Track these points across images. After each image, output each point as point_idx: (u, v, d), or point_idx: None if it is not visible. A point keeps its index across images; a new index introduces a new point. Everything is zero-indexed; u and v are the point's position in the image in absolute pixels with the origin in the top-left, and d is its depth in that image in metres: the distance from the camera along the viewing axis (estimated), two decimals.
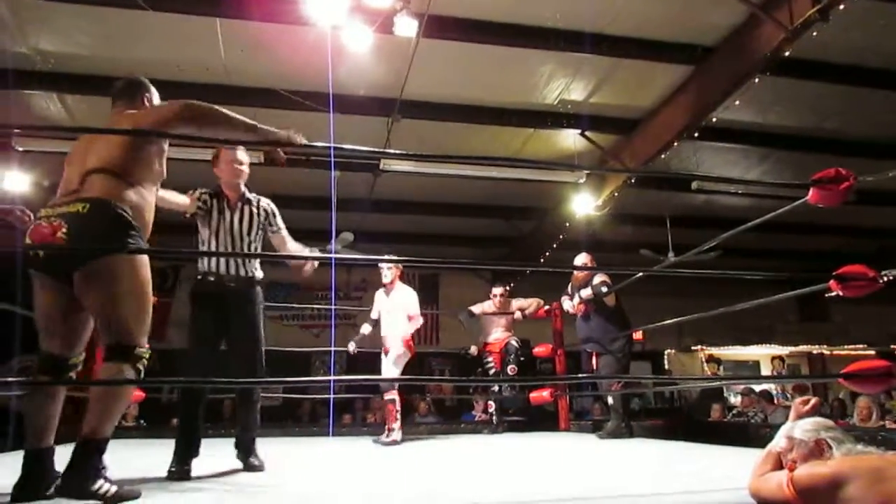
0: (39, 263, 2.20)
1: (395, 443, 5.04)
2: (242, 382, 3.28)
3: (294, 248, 3.63)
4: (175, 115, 2.42)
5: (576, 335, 5.97)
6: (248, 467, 3.24)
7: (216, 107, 2.47)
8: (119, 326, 2.23)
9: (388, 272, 5.56)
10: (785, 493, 1.81)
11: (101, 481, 2.08)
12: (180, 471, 2.94)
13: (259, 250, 3.49)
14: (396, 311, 5.46)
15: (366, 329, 5.73)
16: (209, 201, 3.35)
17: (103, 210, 2.21)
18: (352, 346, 5.83)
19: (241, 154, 3.45)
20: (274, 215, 3.54)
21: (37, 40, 5.76)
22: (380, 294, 5.70)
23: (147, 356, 2.30)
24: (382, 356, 5.42)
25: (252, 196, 3.49)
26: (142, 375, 2.31)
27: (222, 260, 3.26)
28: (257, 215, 3.45)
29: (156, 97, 2.78)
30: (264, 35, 5.65)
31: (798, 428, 2.01)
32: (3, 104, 6.47)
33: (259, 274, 3.37)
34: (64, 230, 2.13)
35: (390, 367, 5.31)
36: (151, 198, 2.45)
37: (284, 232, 3.58)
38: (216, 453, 3.39)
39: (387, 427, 5.21)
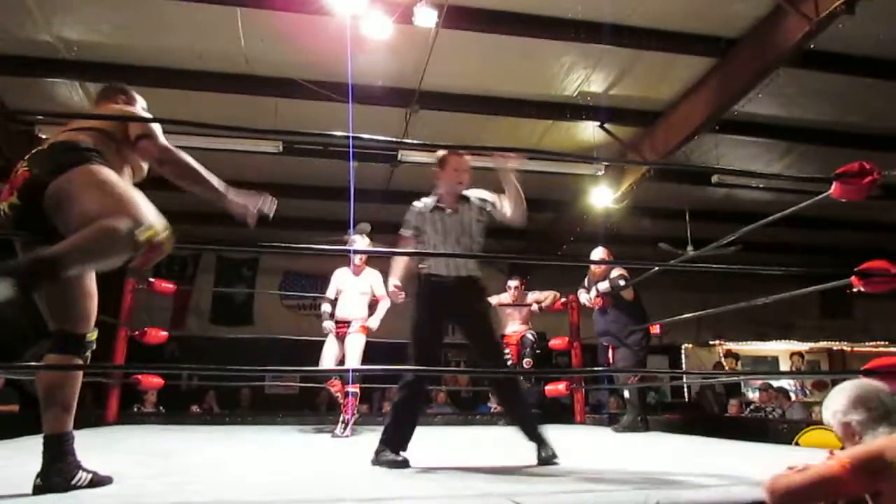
0: (8, 220, 2.12)
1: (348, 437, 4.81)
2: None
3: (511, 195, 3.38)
4: (144, 142, 2.31)
5: (592, 328, 5.97)
6: (542, 461, 3.05)
7: (192, 162, 2.36)
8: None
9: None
10: (834, 469, 1.64)
11: (78, 472, 2.08)
12: (401, 460, 2.91)
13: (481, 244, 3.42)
14: (365, 294, 5.35)
15: (327, 308, 5.39)
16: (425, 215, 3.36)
17: (64, 144, 2.18)
18: (330, 326, 5.36)
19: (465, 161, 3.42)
20: (483, 202, 3.43)
21: (60, 29, 5.82)
22: (345, 274, 5.45)
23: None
24: (333, 338, 5.22)
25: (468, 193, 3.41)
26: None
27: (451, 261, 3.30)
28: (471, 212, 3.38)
29: (137, 103, 2.66)
30: (284, 24, 5.66)
31: (829, 409, 1.90)
32: (27, 92, 6.56)
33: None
34: (25, 165, 2.09)
35: (357, 352, 5.15)
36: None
37: (499, 202, 3.44)
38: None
39: (344, 420, 4.99)
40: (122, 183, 2.14)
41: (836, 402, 1.90)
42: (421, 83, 6.50)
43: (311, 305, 11.61)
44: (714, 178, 8.15)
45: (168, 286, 6.14)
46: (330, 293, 5.45)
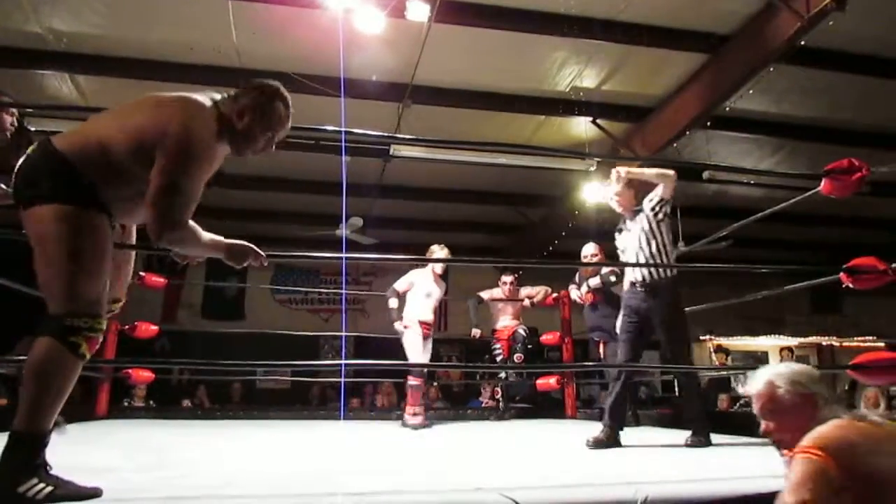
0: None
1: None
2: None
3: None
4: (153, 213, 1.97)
5: (583, 323, 5.99)
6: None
7: (198, 229, 2.10)
8: (45, 290, 1.89)
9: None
10: (813, 462, 1.48)
11: (33, 480, 1.77)
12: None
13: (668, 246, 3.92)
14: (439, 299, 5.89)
15: (394, 303, 5.74)
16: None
17: (45, 155, 1.95)
18: (400, 326, 5.80)
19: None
20: (649, 201, 3.94)
21: (49, 20, 5.76)
22: (427, 278, 5.85)
23: (88, 327, 1.87)
24: (416, 337, 5.58)
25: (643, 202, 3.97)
26: (81, 351, 1.87)
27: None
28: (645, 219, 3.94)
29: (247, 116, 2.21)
30: (276, 18, 5.63)
31: (782, 377, 1.77)
32: (15, 84, 6.50)
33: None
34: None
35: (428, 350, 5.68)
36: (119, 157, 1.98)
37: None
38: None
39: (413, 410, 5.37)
40: (81, 241, 1.88)
41: (796, 373, 1.79)
42: (413, 78, 6.49)
43: (302, 300, 11.61)
44: (705, 175, 8.17)
45: (159, 280, 6.11)
46: (401, 286, 5.84)
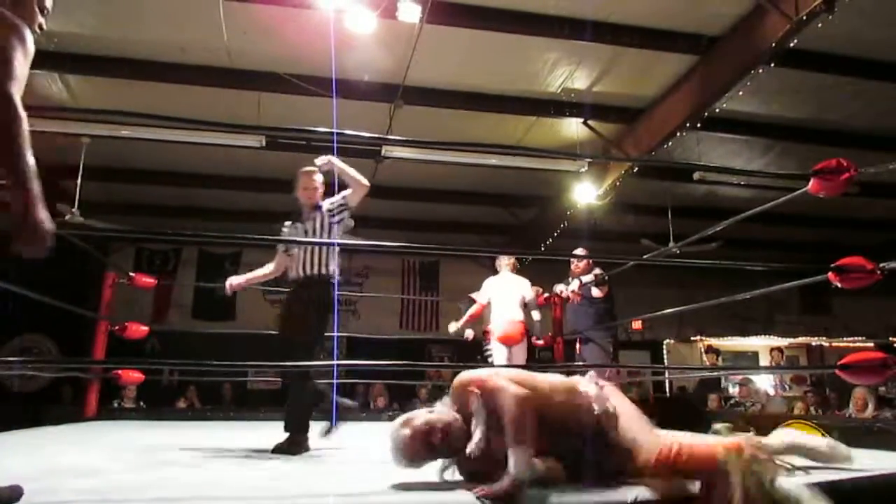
0: None
1: None
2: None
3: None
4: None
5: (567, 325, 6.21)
6: None
7: (22, 130, 1.64)
8: None
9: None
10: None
11: None
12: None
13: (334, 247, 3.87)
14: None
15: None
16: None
17: None
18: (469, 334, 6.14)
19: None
20: (331, 203, 3.94)
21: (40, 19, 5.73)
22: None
23: None
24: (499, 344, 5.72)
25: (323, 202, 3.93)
26: None
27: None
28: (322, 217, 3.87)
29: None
30: (267, 18, 5.62)
31: None
32: None
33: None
34: None
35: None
36: None
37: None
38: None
39: None
40: None
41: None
42: (405, 79, 6.49)
43: None
44: (696, 175, 8.22)
45: (149, 280, 6.09)
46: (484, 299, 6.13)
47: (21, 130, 1.62)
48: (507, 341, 5.70)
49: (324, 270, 3.72)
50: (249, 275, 4.09)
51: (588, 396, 2.02)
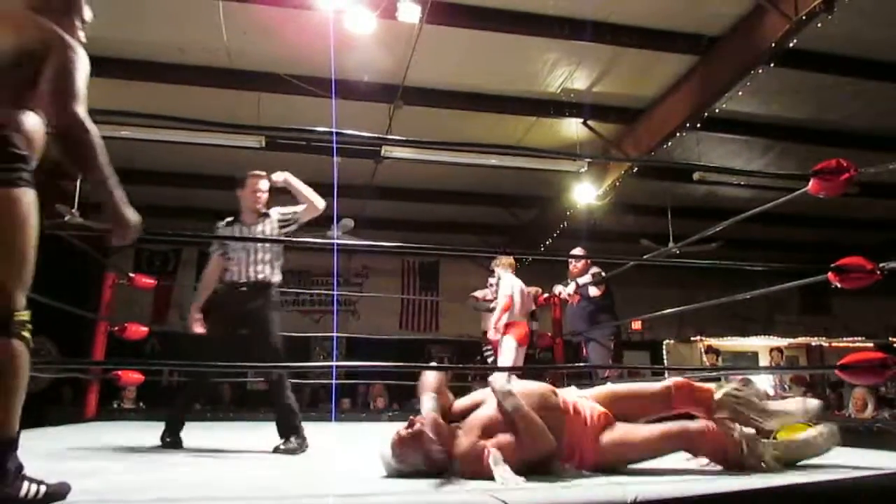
0: None
1: None
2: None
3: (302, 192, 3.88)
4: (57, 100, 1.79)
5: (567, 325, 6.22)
6: None
7: (98, 143, 1.86)
8: None
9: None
10: None
11: (24, 483, 1.68)
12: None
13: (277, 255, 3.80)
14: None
15: None
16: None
17: None
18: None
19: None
20: (282, 214, 3.89)
21: None
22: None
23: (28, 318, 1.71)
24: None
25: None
26: (32, 345, 1.73)
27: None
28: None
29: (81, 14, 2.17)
30: (267, 18, 5.62)
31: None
32: None
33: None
34: None
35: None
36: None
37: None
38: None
39: None
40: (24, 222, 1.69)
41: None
42: (405, 79, 6.49)
43: (293, 301, 11.57)
44: (695, 175, 8.22)
45: (148, 281, 6.08)
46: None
47: (97, 145, 1.85)
48: (524, 341, 5.71)
49: (269, 277, 3.72)
50: (200, 299, 3.88)
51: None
